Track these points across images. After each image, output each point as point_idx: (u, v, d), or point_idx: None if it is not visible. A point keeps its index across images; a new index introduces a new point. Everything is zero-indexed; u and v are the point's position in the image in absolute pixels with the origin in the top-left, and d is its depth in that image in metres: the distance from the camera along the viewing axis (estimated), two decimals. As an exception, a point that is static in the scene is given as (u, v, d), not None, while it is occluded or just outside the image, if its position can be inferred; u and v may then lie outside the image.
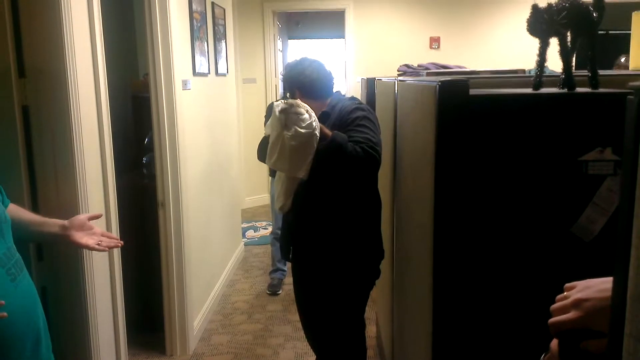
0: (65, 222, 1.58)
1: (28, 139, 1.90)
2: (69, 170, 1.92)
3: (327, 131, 2.06)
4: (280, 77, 3.85)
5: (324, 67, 2.35)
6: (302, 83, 2.29)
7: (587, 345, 0.69)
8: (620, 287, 0.46)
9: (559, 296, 0.74)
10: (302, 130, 1.98)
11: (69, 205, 1.93)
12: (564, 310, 0.71)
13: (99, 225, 2.11)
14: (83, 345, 2.03)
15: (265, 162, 2.21)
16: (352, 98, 2.30)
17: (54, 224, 1.58)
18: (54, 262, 1.97)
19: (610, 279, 0.66)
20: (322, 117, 2.22)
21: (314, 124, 2.00)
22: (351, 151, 2.00)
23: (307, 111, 2.01)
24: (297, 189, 2.20)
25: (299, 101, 2.06)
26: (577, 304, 0.70)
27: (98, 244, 1.60)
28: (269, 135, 2.12)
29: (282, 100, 2.08)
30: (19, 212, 1.56)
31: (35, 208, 1.93)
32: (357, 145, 2.02)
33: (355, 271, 2.27)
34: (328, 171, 2.07)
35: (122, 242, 1.71)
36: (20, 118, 1.88)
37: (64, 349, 2.02)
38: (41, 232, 1.57)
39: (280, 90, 7.03)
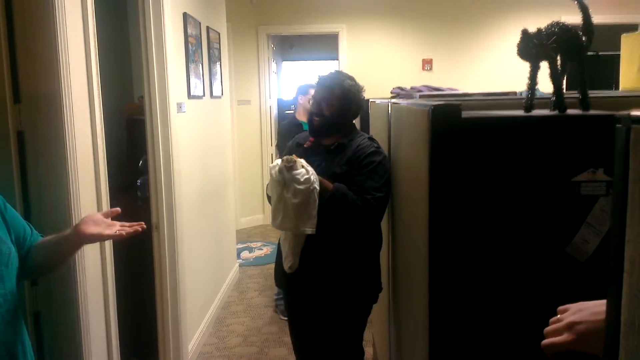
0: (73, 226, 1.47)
1: (23, 164, 1.90)
2: (63, 194, 1.91)
3: (328, 184, 2.08)
4: (301, 90, 3.83)
5: (360, 90, 2.30)
6: (336, 96, 2.23)
7: None
8: (613, 313, 0.46)
9: (552, 319, 0.74)
10: (301, 187, 2.00)
11: (62, 229, 1.92)
12: (557, 332, 0.72)
13: (94, 248, 2.10)
14: (76, 372, 2.00)
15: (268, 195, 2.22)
16: (371, 138, 2.29)
17: (67, 230, 1.47)
18: (47, 287, 1.95)
19: (603, 302, 0.66)
20: (338, 148, 2.23)
21: (312, 178, 2.03)
22: (351, 203, 2.05)
23: (302, 166, 2.03)
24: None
25: (294, 157, 2.06)
26: (570, 326, 0.70)
27: (117, 232, 1.43)
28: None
29: (278, 162, 2.08)
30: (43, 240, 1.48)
31: (29, 233, 1.92)
32: (358, 197, 2.06)
33: (353, 303, 2.27)
34: (331, 222, 2.09)
35: (144, 225, 1.52)
36: (15, 143, 1.88)
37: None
38: (57, 242, 1.45)
39: (275, 111, 7.08)
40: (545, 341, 0.73)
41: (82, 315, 1.99)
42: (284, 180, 2.03)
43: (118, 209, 1.55)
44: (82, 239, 1.42)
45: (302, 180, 2.01)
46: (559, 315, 0.74)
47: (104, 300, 2.19)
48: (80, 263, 1.97)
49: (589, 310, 0.71)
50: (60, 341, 1.98)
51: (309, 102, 3.88)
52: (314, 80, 2.37)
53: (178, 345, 3.09)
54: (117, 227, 1.45)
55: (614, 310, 0.46)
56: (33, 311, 1.95)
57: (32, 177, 1.91)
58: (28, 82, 1.87)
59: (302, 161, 2.06)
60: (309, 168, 2.05)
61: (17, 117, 1.87)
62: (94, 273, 2.11)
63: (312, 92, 3.89)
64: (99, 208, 2.15)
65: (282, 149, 3.81)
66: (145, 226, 1.52)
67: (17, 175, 1.88)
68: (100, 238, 1.46)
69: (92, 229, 1.40)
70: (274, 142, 6.33)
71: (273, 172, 2.06)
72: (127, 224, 1.49)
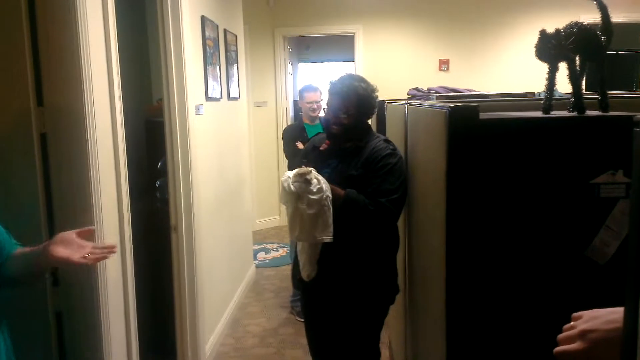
0: (46, 242, 1.43)
1: (45, 165, 1.94)
2: (85, 195, 1.94)
3: (339, 191, 2.10)
4: (299, 95, 3.83)
5: (374, 90, 2.31)
6: (352, 103, 2.22)
7: None
8: (631, 318, 0.46)
9: (565, 326, 0.74)
10: (315, 197, 2.02)
11: (84, 232, 1.95)
12: (570, 340, 0.71)
13: (116, 256, 2.13)
14: (97, 370, 2.04)
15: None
16: (387, 140, 2.28)
17: (40, 246, 1.43)
18: (69, 288, 1.98)
19: (618, 309, 0.66)
20: (355, 151, 2.23)
21: (324, 186, 2.05)
22: (363, 208, 2.06)
23: (314, 177, 2.05)
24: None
25: (304, 168, 2.07)
26: (583, 334, 0.70)
27: (84, 257, 1.37)
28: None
29: (289, 174, 2.10)
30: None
31: (52, 234, 1.96)
32: (371, 201, 2.07)
33: (370, 305, 2.27)
34: (345, 228, 2.11)
35: (115, 248, 1.48)
36: (39, 145, 1.91)
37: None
38: (29, 257, 1.42)
39: (291, 113, 7.10)
40: (557, 349, 0.72)
41: (102, 315, 2.02)
42: (297, 192, 2.04)
43: (92, 228, 1.54)
44: (50, 260, 1.38)
45: (314, 190, 2.02)
46: (572, 323, 0.74)
47: (124, 301, 2.22)
48: (101, 263, 2.00)
49: (602, 318, 0.70)
50: (81, 341, 2.01)
51: (311, 105, 3.91)
52: (321, 83, 2.37)
53: (196, 345, 3.12)
54: (88, 250, 1.39)
55: (632, 314, 0.46)
56: (55, 311, 1.99)
57: (54, 179, 1.94)
58: (51, 85, 1.91)
59: (313, 170, 2.07)
60: (320, 177, 2.07)
61: (40, 120, 1.91)
62: (115, 273, 2.14)
63: (307, 95, 3.92)
64: (120, 209, 2.18)
65: (288, 153, 3.82)
66: (115, 251, 1.48)
67: (40, 177, 1.92)
68: (67, 262, 1.38)
69: (61, 253, 1.36)
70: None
71: (285, 185, 2.08)
72: (99, 246, 1.45)
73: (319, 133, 2.73)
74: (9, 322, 1.48)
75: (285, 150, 3.91)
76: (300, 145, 3.72)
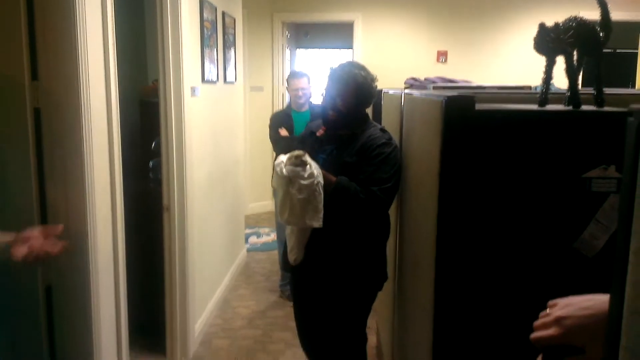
0: (18, 234, 1.48)
1: (38, 140, 1.93)
2: (77, 172, 1.94)
3: (331, 177, 2.11)
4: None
5: (373, 80, 2.28)
6: (350, 90, 2.20)
7: None
8: (617, 301, 0.47)
9: (542, 313, 0.76)
10: (306, 182, 2.03)
11: (76, 207, 1.96)
12: (545, 326, 0.74)
13: (106, 227, 2.14)
14: (85, 346, 2.04)
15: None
16: (383, 129, 2.28)
17: (3, 236, 1.47)
18: (59, 262, 1.97)
19: (592, 296, 0.69)
20: (350, 138, 2.23)
21: (315, 172, 2.05)
22: (354, 195, 2.07)
23: (308, 161, 2.06)
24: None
25: (297, 152, 2.07)
26: (557, 320, 0.73)
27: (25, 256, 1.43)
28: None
29: (282, 158, 2.10)
30: None
31: (43, 209, 1.95)
32: (362, 189, 2.08)
33: (358, 291, 2.29)
34: (335, 215, 2.11)
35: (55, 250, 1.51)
36: (32, 120, 1.90)
37: (67, 349, 2.03)
38: None
39: (287, 99, 7.07)
40: (533, 335, 0.75)
41: (93, 290, 2.02)
42: (289, 176, 2.05)
43: (61, 226, 1.58)
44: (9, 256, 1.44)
45: (306, 175, 2.02)
46: (547, 310, 0.76)
47: (114, 277, 2.22)
48: (92, 239, 2.00)
49: (577, 305, 0.73)
50: (70, 316, 2.02)
51: (297, 92, 3.88)
52: (320, 69, 2.36)
53: (185, 324, 3.14)
54: (26, 250, 1.44)
55: (617, 297, 0.47)
56: (45, 285, 1.99)
57: (47, 154, 1.94)
58: (46, 59, 1.89)
59: (306, 156, 2.07)
60: (312, 162, 2.07)
61: (34, 94, 1.90)
62: (106, 250, 2.14)
63: (292, 82, 3.89)
64: (112, 187, 2.17)
65: (272, 139, 3.80)
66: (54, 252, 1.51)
67: (32, 152, 1.91)
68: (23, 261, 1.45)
69: (18, 253, 1.42)
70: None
71: (278, 169, 2.08)
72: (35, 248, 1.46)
73: (310, 121, 2.72)
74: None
75: (270, 136, 3.86)
76: (283, 132, 3.69)
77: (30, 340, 2.02)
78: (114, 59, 2.15)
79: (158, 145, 3.06)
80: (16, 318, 1.99)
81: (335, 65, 2.30)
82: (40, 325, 2.01)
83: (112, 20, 2.13)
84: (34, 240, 1.45)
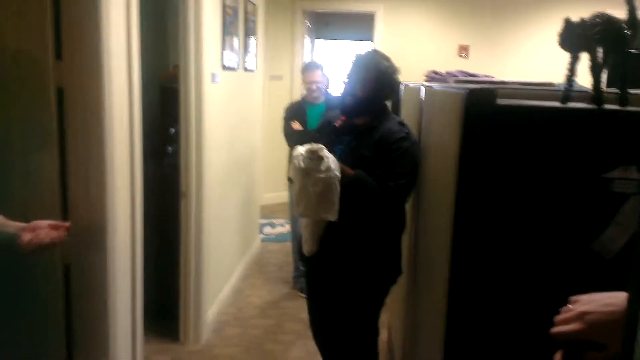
0: (25, 225, 1.55)
1: (61, 120, 1.95)
2: (99, 154, 1.96)
3: (349, 171, 2.10)
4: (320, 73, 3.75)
5: (395, 72, 2.28)
6: (371, 76, 2.19)
7: (590, 357, 0.70)
8: (635, 299, 0.47)
9: (563, 308, 0.76)
10: (322, 175, 2.02)
11: (96, 189, 1.98)
12: (567, 321, 0.73)
13: (125, 207, 2.16)
14: (101, 326, 2.08)
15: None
16: (402, 123, 2.26)
17: (13, 225, 1.54)
18: (78, 241, 1.99)
19: (615, 294, 0.68)
20: (368, 130, 2.23)
21: (332, 165, 2.04)
22: (370, 190, 2.06)
23: (325, 155, 2.05)
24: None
25: (315, 145, 2.07)
26: (580, 316, 0.72)
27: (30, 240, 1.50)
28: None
29: (300, 150, 2.09)
30: None
31: (64, 190, 1.98)
32: (379, 184, 2.07)
33: (372, 284, 2.29)
34: (350, 208, 2.11)
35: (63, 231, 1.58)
36: (55, 100, 1.92)
37: (82, 328, 2.07)
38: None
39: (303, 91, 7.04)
40: (554, 329, 0.74)
41: (109, 271, 2.05)
42: (306, 169, 2.05)
43: (68, 223, 1.64)
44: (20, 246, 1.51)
45: (323, 169, 2.02)
46: (570, 305, 0.76)
47: (131, 259, 2.25)
48: (111, 222, 2.03)
49: (600, 301, 0.72)
50: (87, 295, 2.06)
51: (310, 85, 3.83)
52: (339, 60, 2.34)
53: (198, 311, 3.17)
54: (32, 235, 1.51)
55: (635, 295, 0.47)
56: (64, 263, 2.03)
57: (70, 134, 1.96)
58: (71, 39, 1.90)
59: (324, 149, 2.07)
60: (330, 155, 2.07)
61: (58, 74, 1.92)
62: (124, 233, 2.17)
63: (306, 74, 3.83)
64: (132, 169, 2.19)
65: (288, 134, 3.77)
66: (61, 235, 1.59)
67: (56, 131, 1.94)
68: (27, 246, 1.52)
69: (25, 239, 1.49)
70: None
71: (296, 161, 2.08)
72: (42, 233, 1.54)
73: (325, 112, 2.70)
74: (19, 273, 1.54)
75: (283, 129, 3.84)
76: (296, 125, 3.67)
77: (47, 319, 2.06)
78: (137, 42, 2.16)
79: (176, 131, 3.08)
80: (35, 296, 2.03)
81: (362, 52, 2.30)
82: (58, 304, 2.05)
83: (137, 0, 2.14)
84: (40, 229, 1.54)
